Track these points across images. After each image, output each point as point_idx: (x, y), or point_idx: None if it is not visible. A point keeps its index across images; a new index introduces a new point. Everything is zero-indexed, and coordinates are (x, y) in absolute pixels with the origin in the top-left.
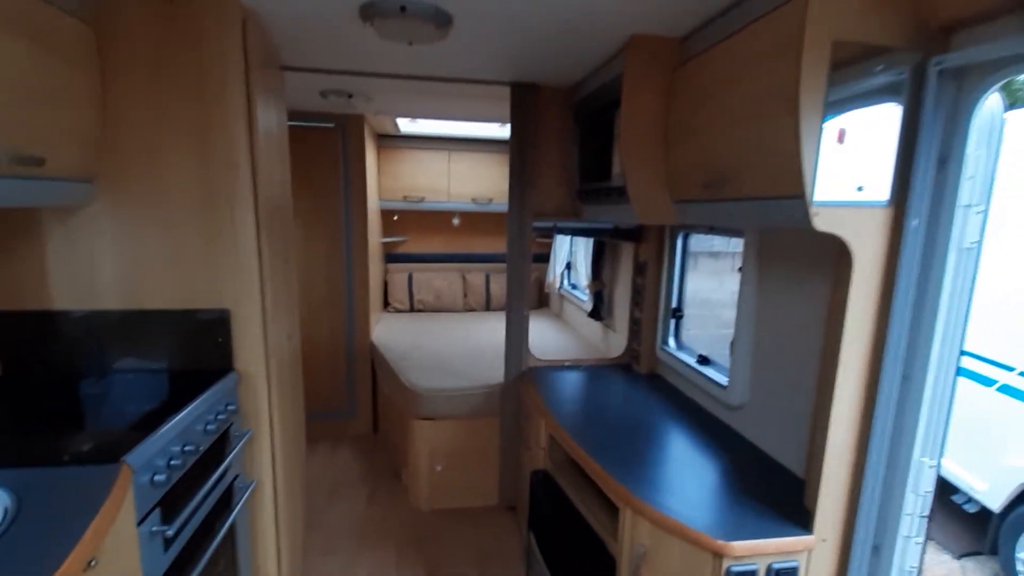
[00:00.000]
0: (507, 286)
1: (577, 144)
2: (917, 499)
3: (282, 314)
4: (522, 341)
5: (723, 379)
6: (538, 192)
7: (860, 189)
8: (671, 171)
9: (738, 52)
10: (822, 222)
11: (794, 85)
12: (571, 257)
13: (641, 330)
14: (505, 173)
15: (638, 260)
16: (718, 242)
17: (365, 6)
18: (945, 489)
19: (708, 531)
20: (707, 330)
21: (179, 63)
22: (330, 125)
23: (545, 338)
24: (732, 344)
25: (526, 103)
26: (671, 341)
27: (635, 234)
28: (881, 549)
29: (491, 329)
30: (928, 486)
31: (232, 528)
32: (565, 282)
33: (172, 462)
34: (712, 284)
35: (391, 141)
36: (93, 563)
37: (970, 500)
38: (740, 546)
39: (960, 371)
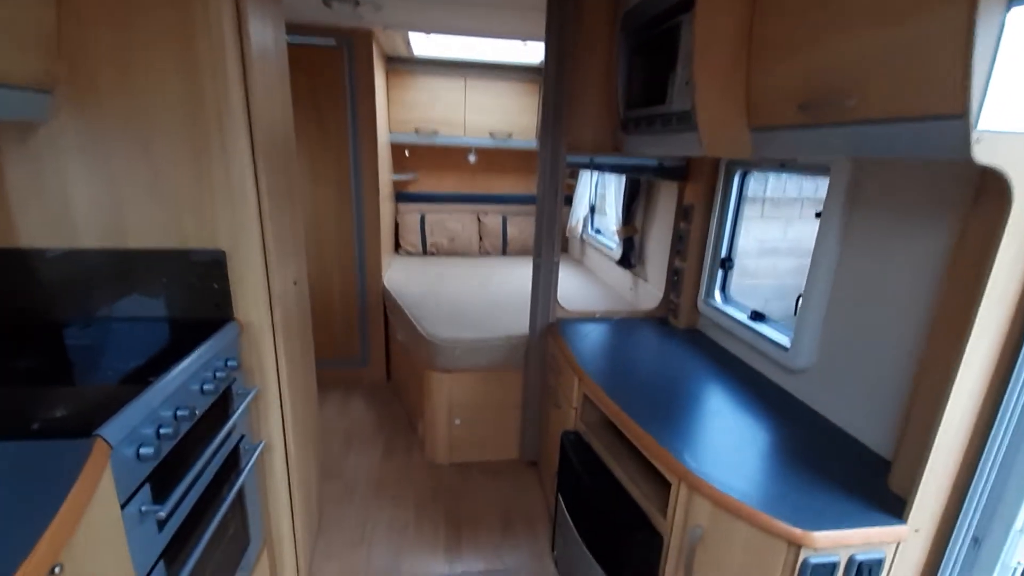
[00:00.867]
0: (536, 229)
1: (625, 63)
2: None
3: (287, 257)
4: (550, 291)
5: (783, 338)
6: (575, 122)
7: None
8: (756, 90)
9: None
10: (984, 152)
11: None
12: (596, 199)
13: (682, 281)
14: (527, 105)
15: (682, 203)
16: (770, 187)
17: None
18: None
19: (784, 518)
20: (753, 282)
21: None
22: (332, 43)
23: (567, 287)
24: (800, 299)
25: (565, 14)
26: (717, 294)
27: (681, 173)
28: (983, 541)
29: (509, 276)
30: None
31: (240, 492)
32: (589, 227)
33: (162, 430)
34: (759, 231)
35: (402, 65)
36: (57, 570)
37: None
38: (823, 536)
39: None
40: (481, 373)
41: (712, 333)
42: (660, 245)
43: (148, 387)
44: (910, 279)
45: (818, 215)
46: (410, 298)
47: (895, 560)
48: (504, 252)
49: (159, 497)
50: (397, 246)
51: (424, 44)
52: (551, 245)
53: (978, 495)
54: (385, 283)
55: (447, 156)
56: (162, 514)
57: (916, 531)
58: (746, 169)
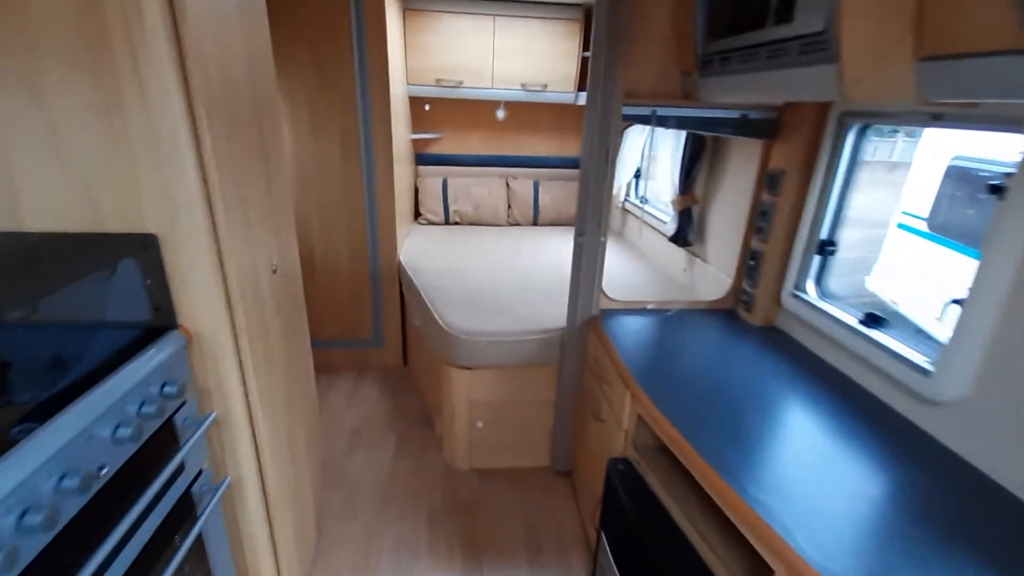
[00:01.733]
0: (579, 200)
1: None
2: None
3: (257, 241)
4: (594, 276)
5: (920, 358)
6: (633, 64)
7: None
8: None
9: None
10: None
11: None
12: (643, 161)
13: (760, 267)
14: (565, 50)
15: (766, 168)
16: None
17: None
18: None
19: None
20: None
21: None
22: None
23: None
24: (962, 305)
25: None
26: (810, 287)
27: (769, 129)
28: None
29: (540, 250)
30: None
31: (199, 542)
32: (632, 194)
33: (65, 483)
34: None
35: (420, 4)
36: None
37: None
38: None
39: None
40: (508, 370)
41: (799, 334)
42: (727, 220)
43: (30, 437)
44: None
45: (995, 190)
46: (427, 276)
47: None
48: (535, 222)
49: (68, 571)
50: (417, 214)
51: None
52: (597, 221)
53: None
54: (401, 257)
55: (472, 111)
56: None
57: None
58: (866, 123)
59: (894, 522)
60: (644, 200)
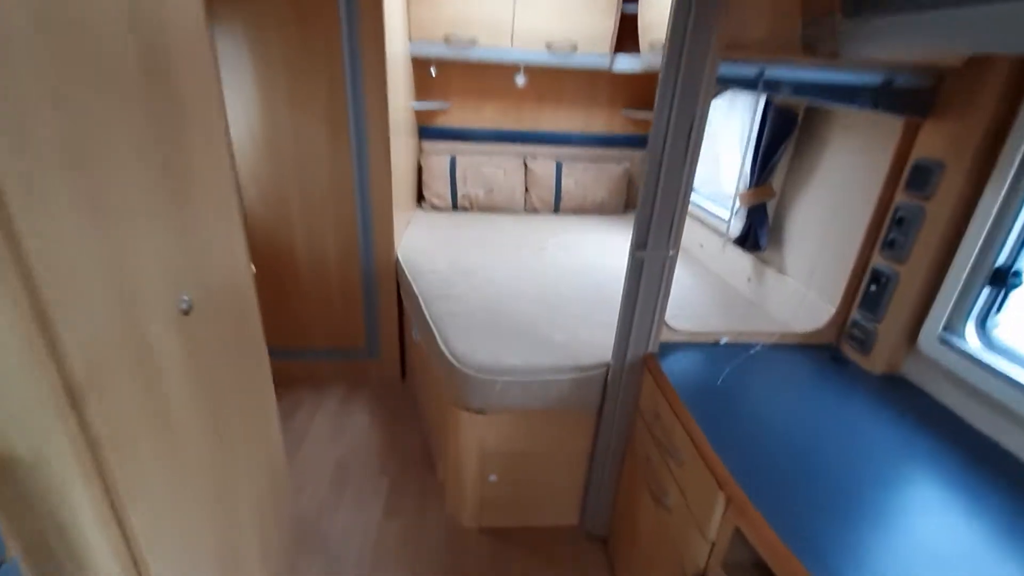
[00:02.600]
0: (641, 198)
1: None
2: None
3: (138, 266)
4: (656, 304)
5: None
6: (733, 4)
7: None
8: None
9: None
10: None
11: None
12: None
13: (889, 295)
14: (601, 2)
15: (910, 157)
16: None
17: None
18: None
19: None
20: None
21: None
22: None
23: None
24: None
25: None
26: (970, 329)
27: (919, 102)
28: None
29: (567, 246)
30: None
31: None
32: None
33: None
34: None
35: None
36: None
37: None
38: None
39: None
40: (531, 414)
41: (943, 393)
42: (823, 223)
43: None
44: None
45: None
46: (430, 281)
47: None
48: (556, 209)
49: None
50: (420, 198)
51: None
52: (667, 227)
53: None
54: (399, 253)
55: (487, 77)
56: None
57: None
58: None
59: None
60: (693, 189)
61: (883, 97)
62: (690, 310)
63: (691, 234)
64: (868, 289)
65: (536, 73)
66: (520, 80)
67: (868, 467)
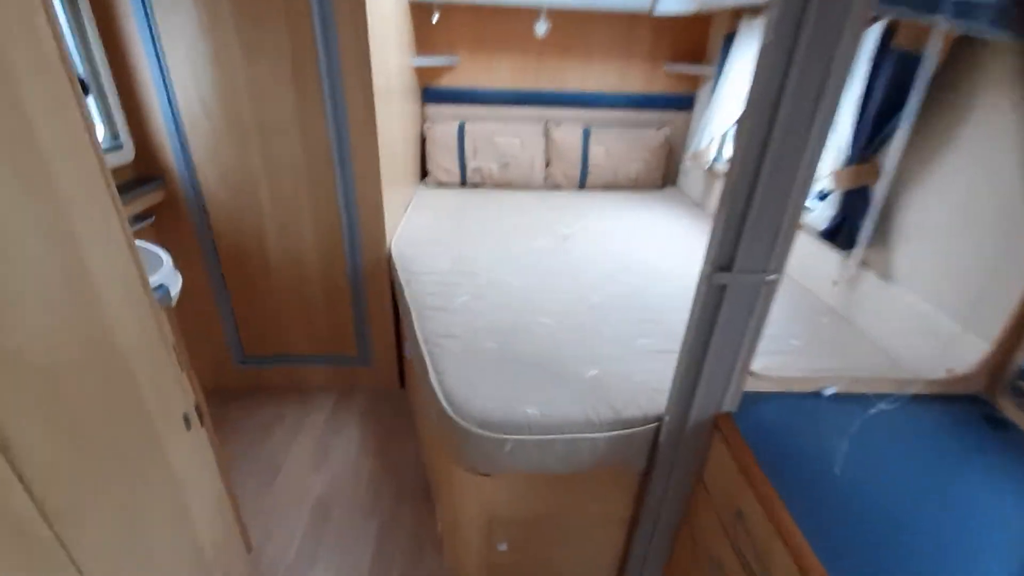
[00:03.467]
0: (724, 193)
1: None
2: None
3: None
4: (741, 347)
5: None
6: None
7: None
8: None
9: None
10: None
11: None
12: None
13: None
14: None
15: None
16: None
17: None
18: None
19: None
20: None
21: None
22: None
23: (675, 262)
24: None
25: None
26: None
27: None
28: None
29: (594, 233)
30: None
31: None
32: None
33: None
34: None
35: None
36: None
37: None
38: None
39: None
40: (553, 475)
41: None
42: (957, 215)
43: None
44: None
45: None
46: (426, 285)
47: None
48: (582, 184)
49: None
50: (425, 172)
51: None
52: (771, 236)
53: None
54: (392, 246)
55: (501, 24)
56: None
57: None
58: None
59: None
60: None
61: None
62: None
63: None
64: None
65: (561, 19)
66: (541, 28)
67: None
